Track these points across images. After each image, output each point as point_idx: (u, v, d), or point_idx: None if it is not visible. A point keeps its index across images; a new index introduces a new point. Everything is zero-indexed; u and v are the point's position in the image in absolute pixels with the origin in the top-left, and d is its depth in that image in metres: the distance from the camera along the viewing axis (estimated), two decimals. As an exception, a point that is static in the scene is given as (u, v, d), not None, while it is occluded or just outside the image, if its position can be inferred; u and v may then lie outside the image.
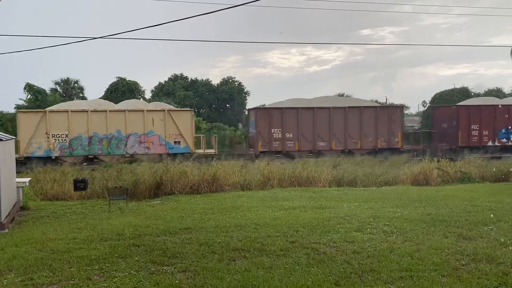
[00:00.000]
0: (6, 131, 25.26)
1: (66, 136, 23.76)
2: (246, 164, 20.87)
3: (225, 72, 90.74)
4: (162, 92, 48.80)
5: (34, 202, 14.42)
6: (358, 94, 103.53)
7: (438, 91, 47.10)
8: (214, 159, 23.19)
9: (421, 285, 5.92)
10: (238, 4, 9.66)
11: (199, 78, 53.11)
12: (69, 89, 42.39)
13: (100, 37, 13.03)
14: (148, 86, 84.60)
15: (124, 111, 24.69)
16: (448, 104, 34.96)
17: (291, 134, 27.02)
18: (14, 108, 35.52)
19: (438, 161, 19.86)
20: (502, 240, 7.96)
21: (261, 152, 26.42)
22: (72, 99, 39.93)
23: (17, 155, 20.42)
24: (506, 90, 46.92)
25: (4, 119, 30.42)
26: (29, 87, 35.37)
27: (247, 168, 19.31)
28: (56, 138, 23.64)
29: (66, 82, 42.66)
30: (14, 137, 15.17)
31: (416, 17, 70.18)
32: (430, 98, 46.57)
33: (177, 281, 6.17)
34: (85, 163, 23.98)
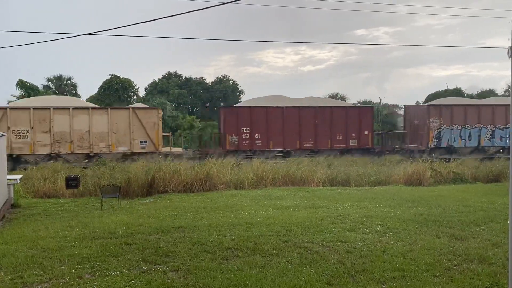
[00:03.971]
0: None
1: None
2: (240, 162, 20.85)
3: (219, 71, 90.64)
4: (156, 90, 48.59)
5: (25, 199, 14.28)
6: (352, 94, 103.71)
7: (431, 92, 47.36)
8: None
9: (414, 285, 5.92)
10: (227, 2, 9.56)
11: (193, 77, 53.00)
12: (62, 86, 42.08)
13: (89, 34, 12.91)
14: (141, 84, 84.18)
15: None
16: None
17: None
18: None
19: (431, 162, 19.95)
20: (494, 240, 8.01)
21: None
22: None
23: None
24: (499, 92, 47.25)
25: None
26: (21, 84, 35.07)
27: (241, 167, 19.27)
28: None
29: (59, 79, 42.30)
30: (4, 133, 14.99)
31: (410, 17, 70.47)
32: (424, 99, 46.78)
33: (169, 280, 6.13)
34: None
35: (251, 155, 24.74)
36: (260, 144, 25.77)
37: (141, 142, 23.52)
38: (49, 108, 22.48)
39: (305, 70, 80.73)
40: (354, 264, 6.75)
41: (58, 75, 42.35)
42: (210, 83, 52.69)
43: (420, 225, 9.33)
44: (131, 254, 7.36)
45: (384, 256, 7.09)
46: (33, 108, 22.39)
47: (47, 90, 39.13)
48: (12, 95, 36.29)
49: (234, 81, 53.67)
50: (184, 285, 5.98)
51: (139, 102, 39.77)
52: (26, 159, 21.98)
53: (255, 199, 13.43)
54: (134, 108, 24.11)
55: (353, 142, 26.64)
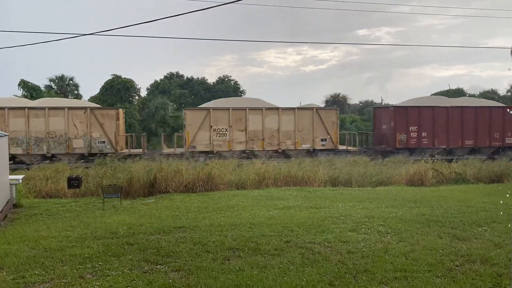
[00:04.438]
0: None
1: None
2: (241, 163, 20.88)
3: (221, 71, 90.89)
4: (158, 90, 48.67)
5: (27, 199, 14.31)
6: (354, 94, 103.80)
7: (433, 92, 47.31)
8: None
9: (416, 285, 5.91)
10: (228, 2, 9.54)
11: (194, 77, 53.09)
12: (64, 86, 42.14)
13: (90, 34, 12.98)
14: (142, 84, 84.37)
15: None
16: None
17: None
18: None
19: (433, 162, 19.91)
20: (496, 241, 7.98)
21: None
22: (67, 97, 39.72)
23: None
24: (501, 92, 47.18)
25: None
26: (23, 84, 35.14)
27: (242, 167, 19.27)
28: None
29: (61, 79, 42.37)
30: (7, 133, 15.01)
31: (412, 17, 70.57)
32: (426, 99, 46.61)
33: (170, 280, 6.13)
34: None
35: (424, 157, 24.79)
36: (426, 142, 26.87)
37: (322, 139, 25.35)
38: (245, 109, 24.49)
39: (307, 70, 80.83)
40: (356, 264, 6.73)
41: (60, 75, 42.43)
42: (211, 83, 52.77)
43: (422, 225, 9.31)
44: (133, 254, 7.36)
45: (386, 257, 7.08)
46: (232, 109, 24.27)
47: (49, 90, 39.19)
48: (14, 95, 36.38)
49: (236, 81, 53.76)
50: (185, 285, 5.97)
51: (141, 102, 39.79)
52: (224, 155, 23.27)
53: (257, 199, 13.43)
54: (317, 109, 26.01)
55: (508, 141, 27.70)
